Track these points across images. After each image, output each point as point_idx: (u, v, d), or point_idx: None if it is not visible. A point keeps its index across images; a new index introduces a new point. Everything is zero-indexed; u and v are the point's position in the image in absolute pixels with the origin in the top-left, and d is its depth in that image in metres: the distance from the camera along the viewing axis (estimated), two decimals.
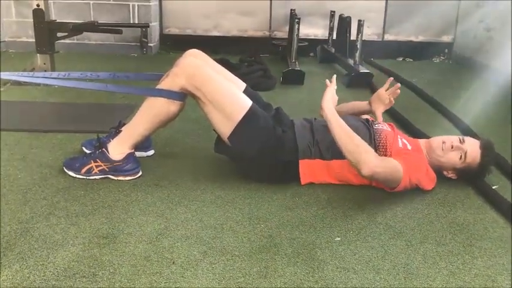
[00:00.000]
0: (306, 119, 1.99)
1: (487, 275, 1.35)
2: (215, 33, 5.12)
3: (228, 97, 1.80)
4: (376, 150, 1.82)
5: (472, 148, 1.86)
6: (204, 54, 1.95)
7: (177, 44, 4.88)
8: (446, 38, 5.09)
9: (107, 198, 1.73)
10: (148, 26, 4.53)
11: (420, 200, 1.78)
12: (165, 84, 1.82)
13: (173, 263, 1.36)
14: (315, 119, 2.01)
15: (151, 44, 4.82)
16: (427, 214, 1.69)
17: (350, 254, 1.43)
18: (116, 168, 1.86)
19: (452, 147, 1.86)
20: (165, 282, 1.27)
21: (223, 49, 4.75)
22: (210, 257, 1.39)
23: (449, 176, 1.91)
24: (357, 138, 1.69)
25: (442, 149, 1.87)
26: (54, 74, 2.02)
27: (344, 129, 1.72)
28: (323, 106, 1.77)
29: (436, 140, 1.92)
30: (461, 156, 1.85)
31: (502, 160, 2.10)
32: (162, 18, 5.08)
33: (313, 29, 5.06)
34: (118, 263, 1.35)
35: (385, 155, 1.82)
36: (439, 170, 1.89)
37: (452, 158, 1.86)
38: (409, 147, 1.86)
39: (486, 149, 1.87)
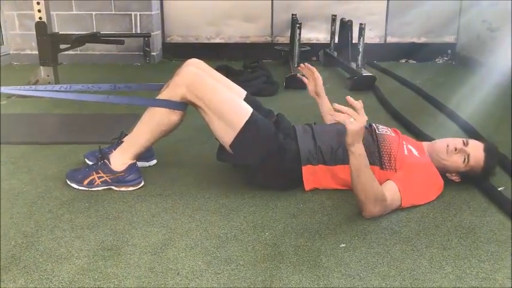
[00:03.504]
0: (307, 124, 1.99)
1: (494, 278, 1.34)
2: (217, 40, 5.13)
3: (228, 105, 1.80)
4: (380, 158, 1.82)
5: (476, 151, 1.84)
6: (203, 63, 1.95)
7: (179, 52, 4.90)
8: (448, 39, 5.07)
9: (111, 209, 1.74)
10: (149, 36, 4.56)
11: (426, 204, 1.77)
12: (165, 94, 1.83)
13: (178, 274, 1.36)
14: (314, 123, 2.01)
15: (154, 53, 4.84)
16: (432, 218, 1.68)
17: (355, 260, 1.42)
18: (118, 179, 1.86)
19: (455, 150, 1.85)
20: None
21: (226, 55, 4.77)
22: (215, 266, 1.39)
23: (453, 178, 1.89)
24: (372, 186, 1.62)
25: (446, 152, 1.86)
26: (56, 87, 2.02)
27: (364, 174, 1.62)
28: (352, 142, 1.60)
29: (440, 143, 1.91)
30: (464, 159, 1.83)
31: (507, 161, 2.08)
32: (164, 27, 5.10)
33: (316, 33, 5.06)
34: (123, 275, 1.35)
35: (389, 163, 1.81)
36: (442, 172, 1.87)
37: (456, 161, 1.85)
38: (415, 152, 1.85)
39: (490, 152, 1.85)
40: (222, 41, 5.14)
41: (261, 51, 4.96)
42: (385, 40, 5.11)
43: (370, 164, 1.80)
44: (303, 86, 2.29)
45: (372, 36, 4.95)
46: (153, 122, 1.84)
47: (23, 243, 1.51)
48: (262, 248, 1.49)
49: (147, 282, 1.32)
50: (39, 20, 3.32)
